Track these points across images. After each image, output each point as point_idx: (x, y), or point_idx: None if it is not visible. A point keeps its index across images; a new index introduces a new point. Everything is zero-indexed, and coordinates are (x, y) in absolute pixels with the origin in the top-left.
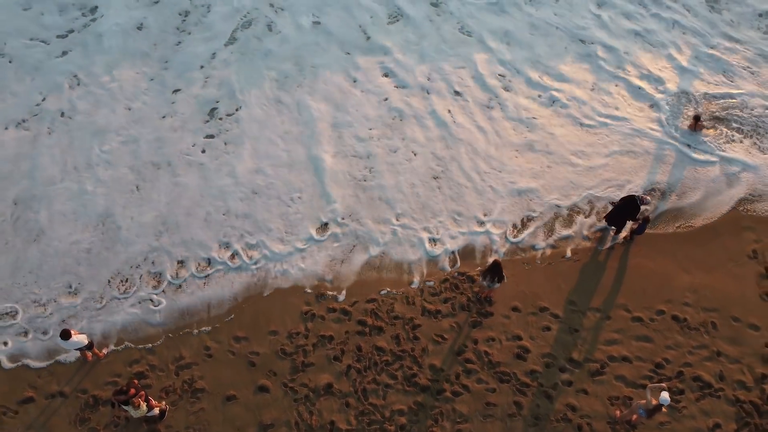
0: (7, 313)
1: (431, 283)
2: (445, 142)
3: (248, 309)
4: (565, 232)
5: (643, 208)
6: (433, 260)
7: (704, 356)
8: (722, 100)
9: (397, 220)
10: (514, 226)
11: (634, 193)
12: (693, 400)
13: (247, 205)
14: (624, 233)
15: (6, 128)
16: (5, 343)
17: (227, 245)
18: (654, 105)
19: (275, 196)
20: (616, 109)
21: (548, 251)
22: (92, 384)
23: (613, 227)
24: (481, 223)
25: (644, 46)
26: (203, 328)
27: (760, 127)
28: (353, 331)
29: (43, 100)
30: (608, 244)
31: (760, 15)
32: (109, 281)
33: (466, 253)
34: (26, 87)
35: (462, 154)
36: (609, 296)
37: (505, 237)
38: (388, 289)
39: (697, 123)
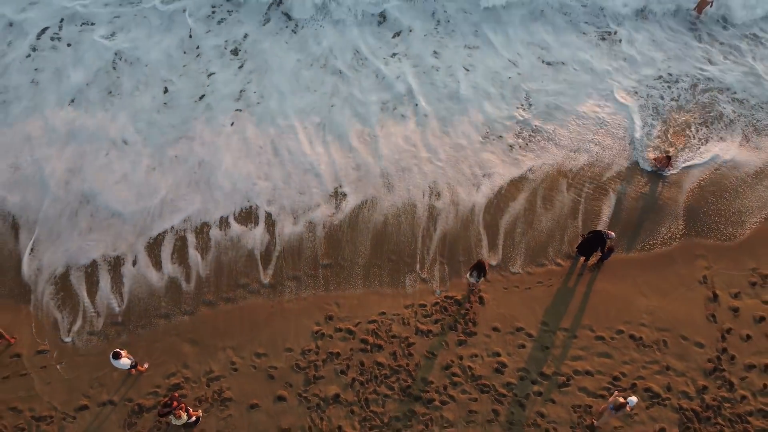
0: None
1: (424, 306)
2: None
3: (268, 330)
4: (541, 259)
5: (608, 240)
6: (424, 281)
7: (655, 370)
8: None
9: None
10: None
11: (600, 229)
12: (643, 408)
13: (267, 173)
14: (592, 260)
15: (61, 107)
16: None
17: (248, 211)
18: (628, 132)
19: (294, 167)
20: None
21: (525, 276)
22: (136, 394)
23: (582, 256)
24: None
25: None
26: (229, 346)
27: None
28: (357, 349)
29: (93, 79)
30: (578, 271)
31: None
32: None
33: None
34: (78, 68)
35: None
36: (576, 317)
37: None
38: (386, 311)
39: (668, 161)
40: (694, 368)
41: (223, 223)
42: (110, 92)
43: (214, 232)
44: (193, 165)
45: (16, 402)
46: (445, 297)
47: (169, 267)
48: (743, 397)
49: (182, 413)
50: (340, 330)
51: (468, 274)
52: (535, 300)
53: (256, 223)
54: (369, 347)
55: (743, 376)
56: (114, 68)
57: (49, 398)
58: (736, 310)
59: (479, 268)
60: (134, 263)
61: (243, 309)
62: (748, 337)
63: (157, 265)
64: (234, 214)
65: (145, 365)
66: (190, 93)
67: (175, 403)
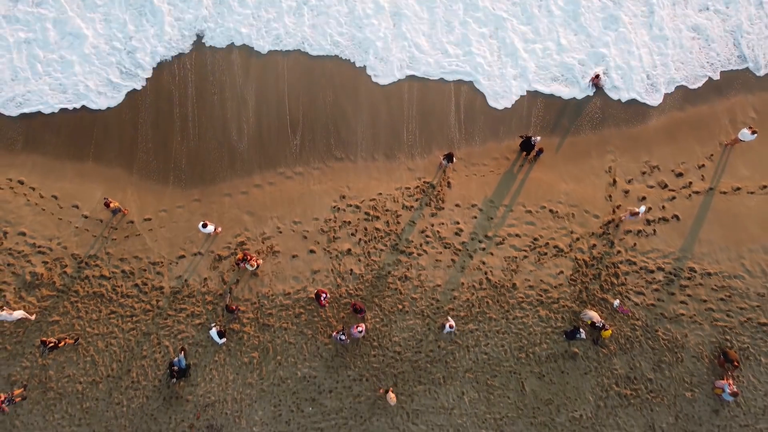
0: None
1: (408, 188)
2: None
3: (301, 205)
4: (494, 154)
5: (536, 145)
6: (410, 171)
7: (563, 233)
8: None
9: None
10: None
11: (530, 135)
12: (551, 257)
13: None
14: (531, 155)
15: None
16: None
17: None
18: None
19: None
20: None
21: (481, 167)
22: (216, 247)
23: (524, 151)
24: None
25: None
26: (275, 216)
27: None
28: (362, 218)
29: None
30: (519, 163)
31: None
32: None
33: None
34: None
35: None
36: (514, 197)
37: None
38: (382, 192)
39: (596, 79)
40: (589, 232)
41: None
42: None
43: None
44: None
45: (137, 253)
46: (424, 182)
47: None
48: (618, 251)
49: (254, 262)
50: (351, 205)
51: (443, 158)
52: (487, 184)
53: None
54: (370, 217)
55: (621, 238)
56: None
57: (158, 250)
58: (627, 192)
59: (449, 156)
60: None
61: (282, 190)
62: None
63: None
64: None
65: (219, 229)
66: None
67: (249, 257)
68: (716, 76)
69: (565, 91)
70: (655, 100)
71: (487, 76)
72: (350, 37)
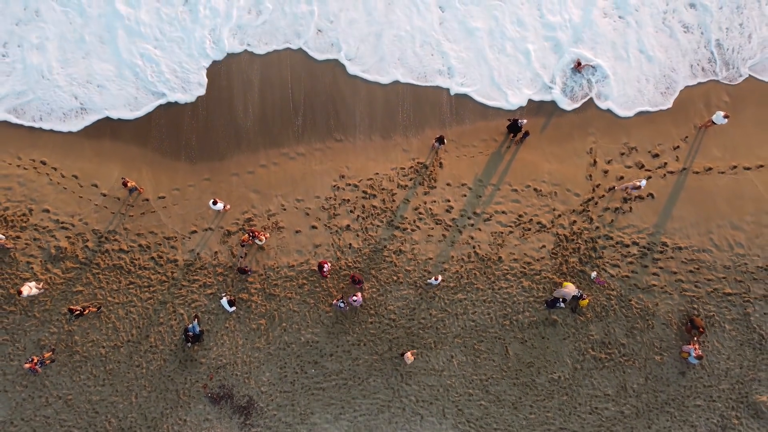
0: None
1: (404, 168)
2: None
3: (303, 184)
4: (482, 136)
5: (523, 128)
6: (405, 152)
7: (546, 211)
8: None
9: None
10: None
11: (517, 118)
12: (534, 233)
13: None
14: (518, 137)
15: None
16: None
17: None
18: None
19: None
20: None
21: (471, 149)
22: (225, 223)
23: (511, 133)
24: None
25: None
26: (279, 194)
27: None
28: (360, 197)
29: None
30: (507, 144)
31: None
32: None
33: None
34: None
35: None
36: (500, 176)
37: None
38: (378, 172)
39: (579, 66)
40: (570, 210)
41: None
42: None
43: None
44: None
45: (152, 228)
46: (417, 162)
47: None
48: (597, 227)
49: (262, 237)
50: (350, 185)
51: (435, 141)
52: (476, 165)
53: None
54: (368, 195)
55: (600, 215)
56: None
57: (172, 226)
58: (606, 172)
59: (441, 138)
60: None
61: (286, 170)
62: (611, 189)
63: None
64: None
65: (228, 206)
66: None
67: (257, 233)
68: (705, 80)
69: (566, 102)
70: (665, 105)
71: (480, 87)
72: (341, 43)
